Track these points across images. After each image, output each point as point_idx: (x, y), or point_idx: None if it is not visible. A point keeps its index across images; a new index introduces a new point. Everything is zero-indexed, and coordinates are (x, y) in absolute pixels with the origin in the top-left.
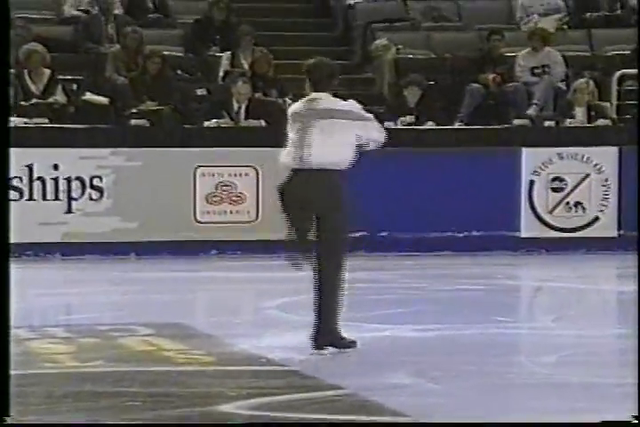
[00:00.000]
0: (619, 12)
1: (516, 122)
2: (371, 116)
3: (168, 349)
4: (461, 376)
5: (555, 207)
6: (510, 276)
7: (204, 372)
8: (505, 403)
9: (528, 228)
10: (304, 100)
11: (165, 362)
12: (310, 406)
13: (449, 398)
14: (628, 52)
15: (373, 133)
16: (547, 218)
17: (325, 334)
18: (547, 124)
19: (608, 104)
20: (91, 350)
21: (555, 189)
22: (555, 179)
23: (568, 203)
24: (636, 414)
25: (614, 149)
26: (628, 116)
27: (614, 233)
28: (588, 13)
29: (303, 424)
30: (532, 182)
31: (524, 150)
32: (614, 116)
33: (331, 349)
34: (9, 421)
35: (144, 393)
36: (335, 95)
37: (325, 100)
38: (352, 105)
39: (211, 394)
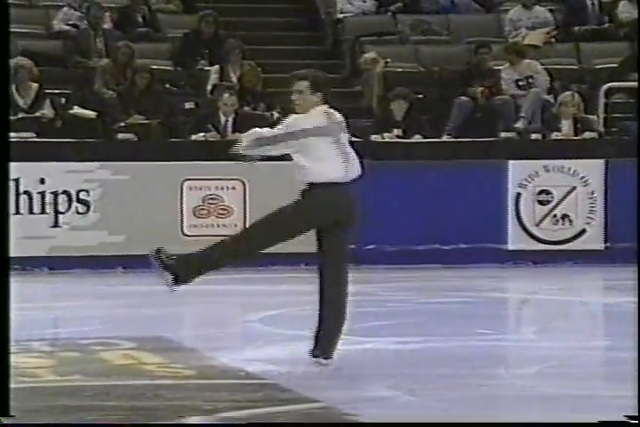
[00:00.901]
0: (607, 25)
1: (503, 135)
2: None
3: (148, 362)
4: (439, 389)
5: (541, 220)
6: (496, 288)
7: (183, 385)
8: (481, 415)
9: (515, 240)
10: (320, 113)
11: (144, 376)
12: (285, 419)
13: (425, 410)
14: (616, 65)
15: None
16: (533, 230)
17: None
18: (533, 136)
19: (594, 117)
20: (70, 364)
21: (541, 202)
22: (541, 191)
23: (555, 215)
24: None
25: (600, 162)
26: (614, 129)
27: (601, 246)
28: (577, 27)
29: (301, 424)
30: (518, 195)
31: (511, 163)
32: (601, 129)
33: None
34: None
35: (120, 407)
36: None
37: (335, 113)
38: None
39: (187, 407)
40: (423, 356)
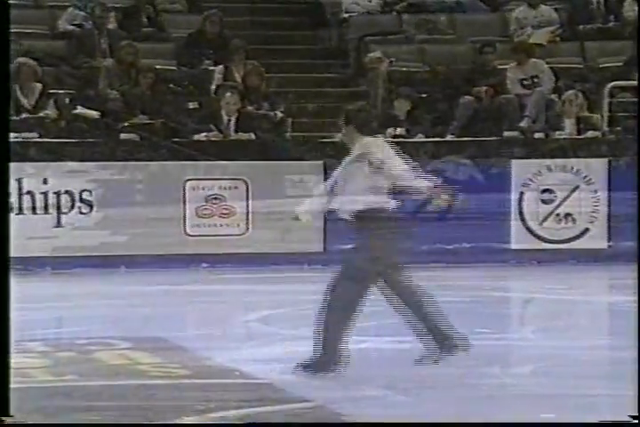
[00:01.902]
0: (612, 24)
1: (507, 134)
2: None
3: (144, 362)
4: (433, 388)
5: (545, 219)
6: (499, 287)
7: (176, 385)
8: (473, 414)
9: (518, 239)
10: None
11: (138, 376)
12: (275, 419)
13: (417, 409)
14: (621, 64)
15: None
16: (537, 229)
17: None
18: (537, 136)
19: (598, 116)
20: (66, 364)
21: (544, 201)
22: (544, 190)
23: (558, 214)
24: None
25: (604, 161)
26: (618, 128)
27: (604, 244)
28: (582, 26)
29: (302, 424)
30: (521, 194)
31: (514, 162)
32: (605, 127)
33: None
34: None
35: (112, 407)
36: None
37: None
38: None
39: (178, 407)
40: (418, 355)
